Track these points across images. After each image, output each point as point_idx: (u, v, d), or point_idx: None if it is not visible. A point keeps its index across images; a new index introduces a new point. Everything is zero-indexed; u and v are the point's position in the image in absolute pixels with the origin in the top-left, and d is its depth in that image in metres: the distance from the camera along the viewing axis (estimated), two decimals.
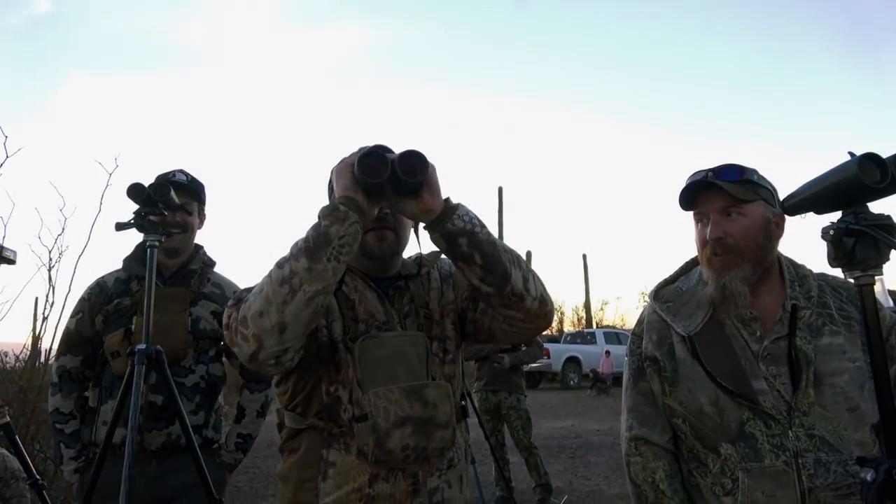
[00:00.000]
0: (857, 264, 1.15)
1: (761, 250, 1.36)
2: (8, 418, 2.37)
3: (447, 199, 1.18)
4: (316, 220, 1.12)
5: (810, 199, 1.22)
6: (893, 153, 1.15)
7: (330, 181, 1.28)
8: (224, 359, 2.23)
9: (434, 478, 1.22)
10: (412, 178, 1.12)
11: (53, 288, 5.71)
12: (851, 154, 1.20)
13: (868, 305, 1.15)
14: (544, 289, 1.24)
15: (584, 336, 19.62)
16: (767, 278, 1.38)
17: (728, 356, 1.33)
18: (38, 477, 2.44)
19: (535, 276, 1.22)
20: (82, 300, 2.16)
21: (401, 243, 1.34)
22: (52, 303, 5.74)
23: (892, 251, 1.14)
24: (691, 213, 1.43)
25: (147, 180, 1.97)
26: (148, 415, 1.97)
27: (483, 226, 1.17)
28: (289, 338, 1.09)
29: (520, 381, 5.12)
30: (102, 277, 2.19)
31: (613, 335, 19.03)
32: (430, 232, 1.18)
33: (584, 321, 27.54)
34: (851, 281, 1.19)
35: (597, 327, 22.95)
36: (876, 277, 1.16)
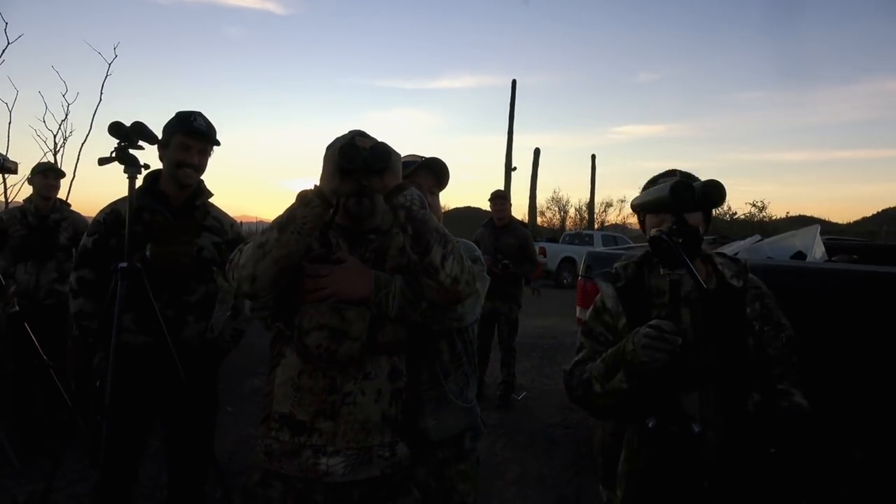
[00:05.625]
0: (668, 264, 1.45)
1: None
2: (17, 307, 2.77)
3: (402, 183, 1.52)
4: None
5: (643, 205, 1.51)
6: (703, 181, 1.41)
7: (325, 156, 1.60)
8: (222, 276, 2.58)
9: (349, 383, 1.54)
10: (377, 165, 1.48)
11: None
12: (678, 173, 1.47)
13: (673, 296, 1.47)
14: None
15: (581, 237, 19.96)
16: None
17: None
18: (45, 357, 2.89)
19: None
20: (98, 223, 2.46)
21: (375, 207, 1.66)
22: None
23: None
24: None
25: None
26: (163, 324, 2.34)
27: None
28: (258, 286, 1.48)
29: (515, 292, 5.54)
30: (116, 204, 2.47)
31: (611, 238, 19.31)
32: (385, 202, 1.53)
33: (586, 221, 27.97)
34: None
35: (597, 229, 23.22)
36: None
